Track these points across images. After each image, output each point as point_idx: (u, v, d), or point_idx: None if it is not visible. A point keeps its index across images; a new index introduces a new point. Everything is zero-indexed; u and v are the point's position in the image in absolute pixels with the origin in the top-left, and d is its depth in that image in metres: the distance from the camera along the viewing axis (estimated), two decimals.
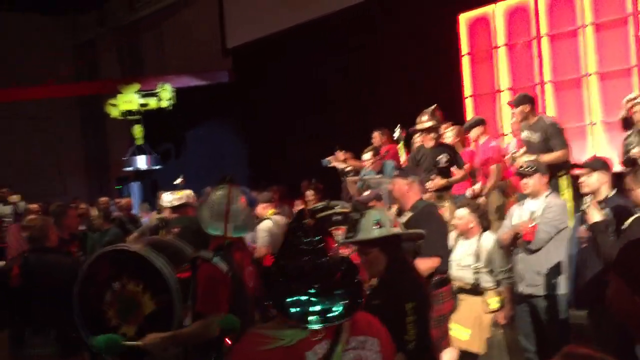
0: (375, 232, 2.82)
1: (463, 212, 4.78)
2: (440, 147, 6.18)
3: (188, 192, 6.02)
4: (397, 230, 2.93)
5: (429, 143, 6.14)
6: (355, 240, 2.90)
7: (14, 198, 4.79)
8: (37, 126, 16.29)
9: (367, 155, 7.14)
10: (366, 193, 6.26)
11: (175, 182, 6.94)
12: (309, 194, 7.23)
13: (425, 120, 6.10)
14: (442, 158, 6.05)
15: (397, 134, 6.79)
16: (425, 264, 3.84)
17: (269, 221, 5.82)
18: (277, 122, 11.40)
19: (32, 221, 4.50)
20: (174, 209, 5.82)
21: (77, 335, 3.65)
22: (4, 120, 15.34)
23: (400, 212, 4.22)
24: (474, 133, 6.66)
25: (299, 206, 7.46)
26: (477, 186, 6.41)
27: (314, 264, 1.79)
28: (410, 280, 2.86)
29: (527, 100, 5.75)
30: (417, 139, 7.06)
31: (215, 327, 2.91)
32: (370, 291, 2.84)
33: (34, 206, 7.98)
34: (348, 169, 7.66)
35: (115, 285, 3.37)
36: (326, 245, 1.84)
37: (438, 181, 5.93)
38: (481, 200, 6.07)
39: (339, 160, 7.89)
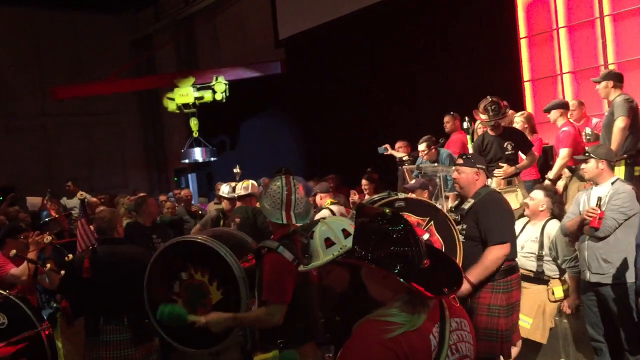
0: (329, 254, 2.58)
1: (538, 194, 4.73)
2: (506, 133, 6.01)
3: (253, 182, 6.10)
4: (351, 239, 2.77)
5: (493, 132, 5.99)
6: (311, 268, 2.65)
7: (83, 194, 4.99)
8: (99, 121, 16.88)
9: (422, 146, 7.06)
10: (412, 181, 6.23)
11: (234, 171, 7.03)
12: (364, 183, 7.24)
13: (482, 112, 5.92)
14: (508, 145, 5.89)
15: (466, 124, 6.69)
16: (496, 253, 3.80)
17: (327, 211, 5.86)
18: (331, 111, 11.41)
19: (101, 213, 4.67)
20: (240, 198, 5.92)
21: (148, 322, 3.80)
22: (67, 116, 15.96)
23: (461, 200, 4.16)
24: (553, 115, 6.42)
25: (354, 195, 7.46)
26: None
27: (401, 252, 1.81)
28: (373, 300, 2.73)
29: (610, 77, 5.56)
30: (479, 125, 6.94)
31: (279, 315, 2.97)
32: (335, 307, 2.80)
33: (94, 199, 8.26)
34: (405, 157, 7.61)
35: (183, 275, 3.48)
36: (411, 233, 1.85)
37: (507, 169, 5.79)
38: (548, 184, 5.92)
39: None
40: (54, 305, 4.84)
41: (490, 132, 6.01)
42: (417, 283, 1.77)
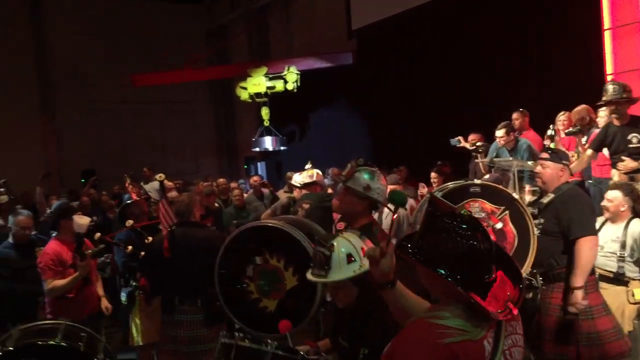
0: (350, 271, 2.57)
1: (615, 194, 4.53)
2: (632, 123, 5.46)
3: (318, 171, 6.26)
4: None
5: (618, 121, 5.47)
6: (329, 281, 2.64)
7: (162, 176, 5.17)
8: (173, 109, 17.43)
9: (500, 132, 6.82)
10: (486, 176, 6.08)
11: (306, 167, 7.16)
12: (433, 175, 7.14)
13: (611, 91, 5.39)
14: (633, 138, 5.35)
15: (550, 132, 6.41)
16: (586, 245, 3.66)
17: None
18: (401, 103, 11.31)
19: (179, 197, 4.86)
20: (305, 186, 6.07)
21: (220, 305, 3.91)
22: (143, 103, 16.57)
23: (540, 195, 4.06)
24: None
25: (423, 189, 7.39)
26: None
27: (467, 258, 1.73)
28: (374, 322, 2.61)
29: None
30: (561, 117, 6.65)
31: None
32: (337, 326, 2.77)
33: (170, 183, 8.56)
34: (479, 143, 7.39)
35: (258, 259, 3.55)
36: (483, 238, 1.76)
37: (629, 163, 5.30)
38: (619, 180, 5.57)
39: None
40: (134, 284, 5.07)
41: (615, 122, 5.52)
42: (482, 297, 1.68)
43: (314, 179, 6.18)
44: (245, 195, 9.24)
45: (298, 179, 6.39)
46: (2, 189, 7.95)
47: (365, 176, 3.27)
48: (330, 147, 13.11)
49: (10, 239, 5.15)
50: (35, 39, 15.81)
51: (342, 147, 12.80)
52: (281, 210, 6.43)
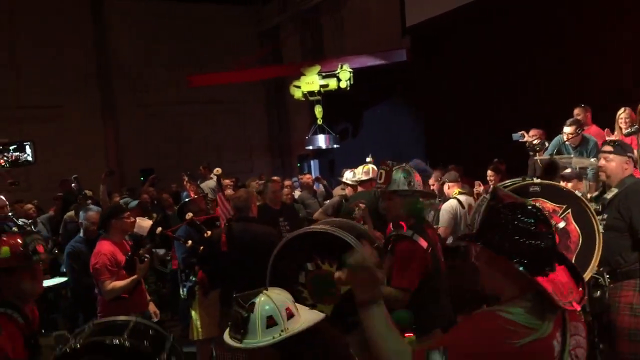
0: (269, 336, 2.19)
1: None
2: None
3: (373, 167, 6.11)
4: (297, 327, 2.23)
5: None
6: (243, 348, 2.21)
7: (219, 170, 5.31)
8: (227, 109, 17.73)
9: (569, 129, 6.57)
10: (568, 170, 5.90)
11: (367, 160, 7.14)
12: (490, 173, 7.02)
13: None
14: None
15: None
16: None
17: (455, 201, 5.78)
18: (456, 100, 11.15)
19: (238, 193, 4.97)
20: (361, 183, 6.00)
21: None
22: (198, 104, 16.92)
23: (603, 190, 3.94)
24: None
25: (479, 187, 7.28)
26: None
27: (531, 249, 1.71)
28: None
29: None
30: (622, 114, 6.42)
31: (402, 302, 3.01)
32: None
33: (227, 181, 8.73)
34: (535, 141, 7.18)
35: (309, 266, 3.50)
36: (545, 230, 1.75)
37: None
38: None
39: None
40: (193, 279, 5.20)
41: None
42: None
43: (370, 175, 5.99)
44: (299, 193, 9.32)
45: (350, 176, 6.33)
46: (74, 184, 8.36)
47: (403, 175, 3.27)
48: (384, 145, 13.05)
49: (81, 234, 5.37)
50: (96, 46, 16.38)
51: (396, 144, 12.71)
52: (332, 210, 6.39)
